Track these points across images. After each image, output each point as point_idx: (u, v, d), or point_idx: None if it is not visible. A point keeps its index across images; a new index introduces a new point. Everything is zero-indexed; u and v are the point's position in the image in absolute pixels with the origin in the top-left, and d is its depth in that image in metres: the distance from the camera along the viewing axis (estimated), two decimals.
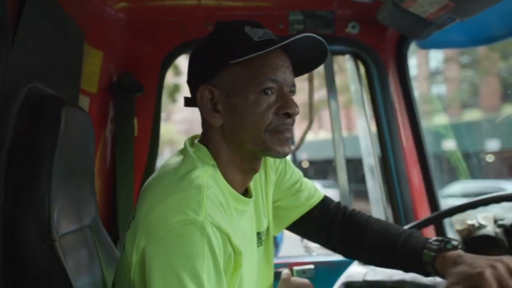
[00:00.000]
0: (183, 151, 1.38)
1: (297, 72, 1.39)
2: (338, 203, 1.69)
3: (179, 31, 2.37)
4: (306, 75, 2.79)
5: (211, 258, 1.15)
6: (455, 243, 1.39)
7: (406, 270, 1.51)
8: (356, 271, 1.84)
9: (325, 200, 1.67)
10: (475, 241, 2.01)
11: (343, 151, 2.53)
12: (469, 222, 2.09)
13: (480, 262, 1.29)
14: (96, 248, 1.66)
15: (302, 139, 2.93)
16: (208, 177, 1.27)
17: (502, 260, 1.27)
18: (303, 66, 1.41)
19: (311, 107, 2.82)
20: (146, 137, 2.38)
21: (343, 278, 1.85)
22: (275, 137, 1.29)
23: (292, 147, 3.01)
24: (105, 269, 1.64)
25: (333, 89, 2.57)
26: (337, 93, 2.59)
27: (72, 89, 1.88)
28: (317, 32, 2.38)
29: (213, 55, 1.32)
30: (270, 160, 1.58)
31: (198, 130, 1.46)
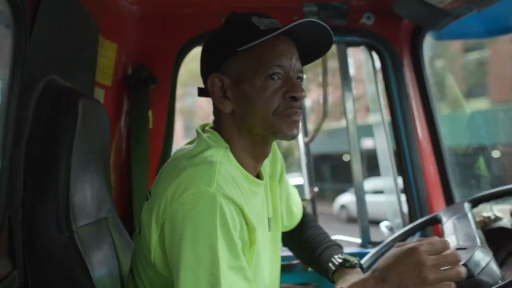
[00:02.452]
0: (196, 138, 1.43)
1: (306, 60, 1.45)
2: (304, 208, 1.89)
3: (194, 23, 2.36)
4: (321, 69, 2.79)
5: (224, 228, 1.19)
6: (354, 262, 1.57)
7: (320, 274, 1.68)
8: (448, 214, 1.85)
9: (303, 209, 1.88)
10: (491, 234, 2.00)
11: (358, 143, 2.52)
12: (485, 214, 2.08)
13: (361, 276, 1.37)
14: (113, 239, 1.67)
15: (316, 131, 2.92)
16: (222, 156, 1.33)
17: (384, 280, 1.21)
18: (311, 54, 1.46)
19: (325, 100, 2.81)
20: (161, 130, 2.38)
21: (442, 212, 1.88)
22: (283, 120, 1.34)
23: (306, 139, 3.01)
24: (122, 260, 1.66)
25: (347, 81, 2.56)
26: (351, 85, 2.57)
27: (88, 81, 1.89)
28: (332, 23, 2.36)
29: (222, 44, 1.38)
30: (274, 157, 1.65)
31: None
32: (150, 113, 2.36)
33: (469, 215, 1.76)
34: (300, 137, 3.02)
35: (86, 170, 1.53)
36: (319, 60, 2.77)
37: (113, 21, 2.15)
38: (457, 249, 1.55)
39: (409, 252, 1.15)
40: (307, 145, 3.00)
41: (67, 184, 1.37)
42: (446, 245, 1.17)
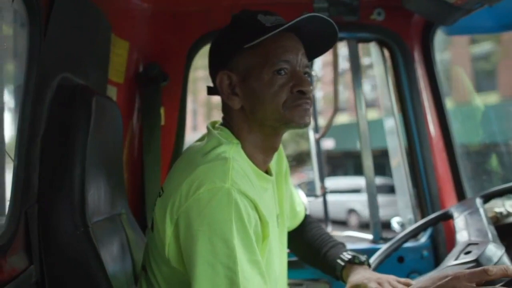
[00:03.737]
0: (207, 134, 1.45)
1: (313, 55, 1.48)
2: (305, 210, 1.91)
3: (205, 20, 2.37)
4: (331, 64, 2.79)
5: (239, 223, 1.21)
6: (362, 259, 1.63)
7: (324, 272, 1.74)
8: (460, 210, 1.87)
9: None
10: (503, 229, 1.99)
11: (369, 140, 2.52)
12: (497, 209, 2.07)
13: (371, 276, 1.54)
14: (126, 235, 1.69)
15: (328, 127, 2.92)
16: (234, 152, 1.35)
17: (389, 281, 1.50)
18: (317, 49, 1.49)
19: (336, 96, 2.81)
20: (173, 127, 2.40)
21: (453, 208, 1.89)
22: (294, 110, 1.36)
23: (317, 136, 3.01)
24: (135, 256, 1.68)
25: (358, 77, 2.55)
26: (362, 81, 2.57)
27: (100, 79, 1.91)
28: (342, 19, 2.36)
29: (229, 42, 1.41)
30: (279, 156, 1.67)
31: None
32: (162, 110, 2.37)
33: (481, 210, 1.76)
34: (311, 133, 3.03)
35: (100, 167, 1.55)
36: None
37: (125, 19, 2.17)
38: (469, 244, 1.56)
39: (450, 279, 1.18)
40: (317, 141, 3.01)
41: (82, 180, 1.39)
42: (487, 276, 1.18)
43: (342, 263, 1.63)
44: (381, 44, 2.54)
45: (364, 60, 2.55)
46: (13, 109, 1.43)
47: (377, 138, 2.84)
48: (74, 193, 1.37)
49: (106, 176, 1.62)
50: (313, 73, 3.03)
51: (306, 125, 1.38)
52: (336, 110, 2.84)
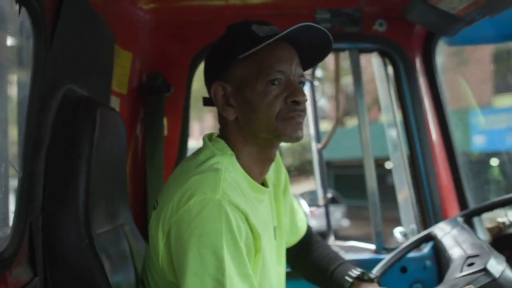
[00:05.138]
0: (202, 146, 1.45)
1: (308, 65, 1.48)
2: (309, 227, 1.85)
3: (207, 31, 2.37)
4: (333, 75, 2.80)
5: (229, 235, 1.20)
6: (372, 276, 1.59)
7: None
8: (443, 228, 1.90)
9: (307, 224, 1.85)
10: (505, 239, 2.00)
11: (371, 150, 2.52)
12: (500, 220, 2.08)
13: None
14: (130, 247, 1.69)
15: (330, 137, 2.92)
16: (227, 163, 1.34)
17: None
18: (312, 59, 1.49)
19: (338, 106, 2.82)
20: (176, 137, 2.40)
21: (432, 229, 1.94)
22: (287, 123, 1.35)
23: (319, 145, 3.02)
24: (138, 267, 1.68)
25: (360, 87, 2.56)
26: (364, 91, 2.58)
27: (104, 90, 1.92)
28: (344, 30, 2.38)
29: (223, 53, 1.40)
30: (278, 168, 1.67)
31: None
32: (165, 121, 2.38)
33: (467, 228, 1.81)
34: (313, 143, 3.04)
35: (104, 178, 1.55)
36: None
37: (128, 31, 2.18)
38: (468, 257, 1.56)
39: None
40: (320, 151, 3.01)
41: (86, 191, 1.39)
42: None
43: (350, 280, 1.59)
44: (383, 54, 2.55)
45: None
46: (18, 120, 1.43)
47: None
48: (79, 204, 1.37)
49: (110, 187, 1.63)
50: (315, 82, 3.04)
51: (298, 139, 1.37)
52: (338, 121, 2.84)
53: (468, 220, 1.93)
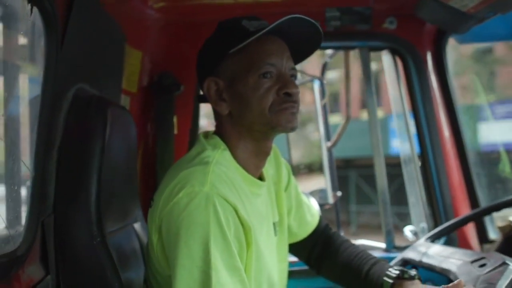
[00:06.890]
0: (196, 143, 1.46)
1: (299, 58, 1.49)
2: (325, 222, 1.80)
3: None
4: (343, 73, 2.79)
5: (217, 227, 1.20)
6: (412, 273, 1.48)
7: None
8: (416, 251, 1.88)
9: (320, 219, 1.78)
10: None
11: (382, 147, 2.52)
12: (511, 218, 2.06)
13: None
14: (141, 245, 1.70)
15: (340, 136, 2.91)
16: (219, 157, 1.35)
17: None
18: (304, 52, 1.50)
19: (348, 104, 2.81)
20: (186, 135, 2.41)
21: (403, 255, 1.91)
22: (280, 115, 1.36)
23: (328, 144, 3.01)
24: None
25: (370, 85, 2.55)
26: (374, 89, 2.57)
27: (115, 89, 1.93)
28: (354, 28, 2.37)
29: (214, 49, 1.42)
30: (278, 163, 1.65)
31: None
32: (175, 119, 2.39)
33: (441, 245, 1.87)
34: (323, 141, 3.03)
35: (115, 176, 1.56)
36: None
37: (138, 30, 2.19)
38: (472, 262, 1.56)
39: None
40: (329, 149, 3.00)
41: (98, 190, 1.40)
42: None
43: (390, 280, 1.48)
44: (393, 52, 2.54)
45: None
46: (30, 120, 1.44)
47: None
48: (90, 203, 1.38)
49: (121, 185, 1.63)
50: (324, 81, 3.04)
51: (293, 129, 1.38)
52: (349, 118, 2.83)
53: (433, 241, 1.95)
